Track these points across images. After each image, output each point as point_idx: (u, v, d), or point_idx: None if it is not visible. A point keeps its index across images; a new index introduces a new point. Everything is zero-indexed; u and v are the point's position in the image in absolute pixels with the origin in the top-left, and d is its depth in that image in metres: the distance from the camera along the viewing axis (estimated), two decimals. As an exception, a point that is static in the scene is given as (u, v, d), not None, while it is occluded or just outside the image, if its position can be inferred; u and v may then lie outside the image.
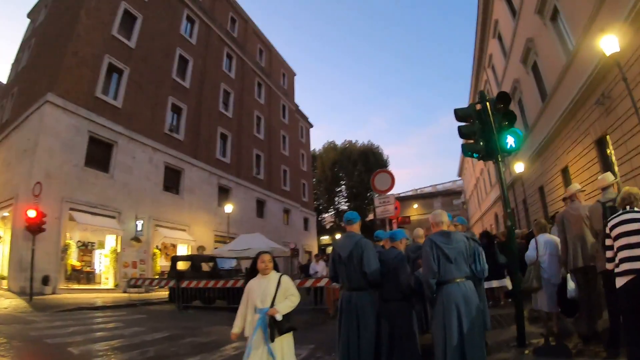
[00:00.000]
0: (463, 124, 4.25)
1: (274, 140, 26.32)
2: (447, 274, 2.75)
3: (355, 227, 3.38)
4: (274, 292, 2.58)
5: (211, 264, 10.82)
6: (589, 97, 8.20)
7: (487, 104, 3.98)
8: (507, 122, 3.91)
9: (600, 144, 8.40)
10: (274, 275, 2.68)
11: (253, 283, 2.77)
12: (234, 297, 8.50)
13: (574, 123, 9.43)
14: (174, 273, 10.65)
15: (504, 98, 3.96)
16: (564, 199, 4.41)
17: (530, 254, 4.22)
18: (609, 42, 5.62)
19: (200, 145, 17.85)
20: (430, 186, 42.00)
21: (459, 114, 4.16)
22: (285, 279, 2.69)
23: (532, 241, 4.32)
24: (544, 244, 4.19)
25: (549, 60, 10.57)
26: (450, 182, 43.55)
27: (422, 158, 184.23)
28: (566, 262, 3.91)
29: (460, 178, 39.88)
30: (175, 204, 15.59)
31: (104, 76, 12.99)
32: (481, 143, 3.97)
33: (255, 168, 23.13)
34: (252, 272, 4.00)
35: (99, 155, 12.72)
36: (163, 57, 15.91)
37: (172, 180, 15.89)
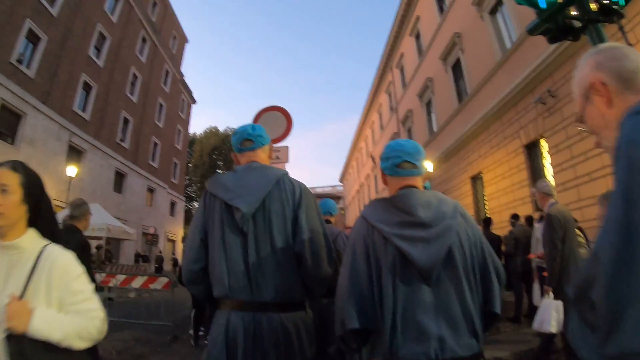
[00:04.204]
0: None
1: (149, 107, 24.45)
2: (411, 337, 1.08)
3: (262, 156, 1.67)
4: (24, 281, 1.09)
5: None
6: (525, 96, 8.14)
7: None
8: None
9: (531, 149, 8.23)
10: (29, 243, 1.15)
11: None
12: None
13: (497, 126, 9.38)
14: None
15: None
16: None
17: None
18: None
19: (54, 89, 15.39)
20: (309, 188, 44.79)
21: None
22: (63, 258, 1.15)
23: None
24: None
25: (477, 57, 10.46)
26: (330, 187, 46.92)
27: (303, 160, 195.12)
28: None
29: (341, 184, 42.89)
30: (6, 157, 12.82)
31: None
32: None
33: (120, 133, 21.05)
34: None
35: None
36: (28, -33, 13.39)
37: (7, 125, 13.27)
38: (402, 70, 19.40)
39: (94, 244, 16.93)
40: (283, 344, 1.31)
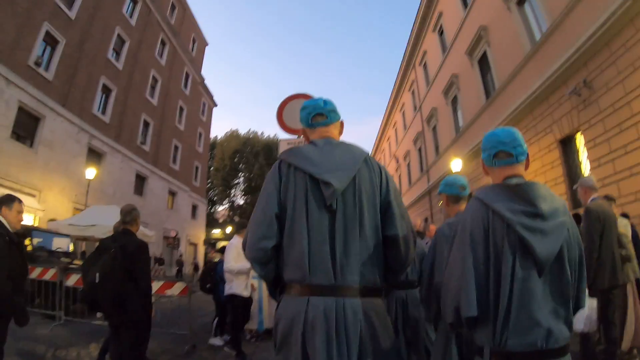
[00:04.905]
0: None
1: (169, 110, 24.59)
2: (523, 327, 1.08)
3: (334, 132, 1.56)
4: None
5: (29, 240, 7.57)
6: (557, 88, 7.88)
7: None
8: None
9: (566, 144, 7.97)
10: None
11: None
12: (49, 296, 5.95)
13: (528, 120, 9.08)
14: None
15: None
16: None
17: None
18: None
19: (73, 92, 15.50)
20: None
21: None
22: None
23: None
24: None
25: (504, 50, 10.20)
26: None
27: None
28: None
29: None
30: (25, 159, 13.16)
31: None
32: None
33: (140, 136, 21.19)
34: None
35: None
36: (44, -30, 13.51)
37: (26, 128, 13.40)
38: (425, 67, 19.18)
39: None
40: (368, 332, 1.24)
